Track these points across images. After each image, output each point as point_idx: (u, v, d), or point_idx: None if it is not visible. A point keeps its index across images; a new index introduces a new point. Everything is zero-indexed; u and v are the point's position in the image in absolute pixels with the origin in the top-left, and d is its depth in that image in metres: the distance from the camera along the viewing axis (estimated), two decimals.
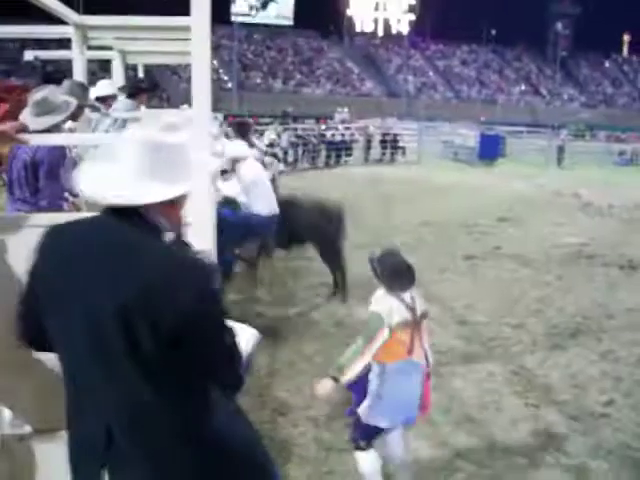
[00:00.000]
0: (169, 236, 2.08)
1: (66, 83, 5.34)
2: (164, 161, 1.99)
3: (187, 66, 4.18)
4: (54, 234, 2.03)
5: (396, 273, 3.71)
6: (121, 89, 7.19)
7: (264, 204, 6.75)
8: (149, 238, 1.97)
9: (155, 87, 7.35)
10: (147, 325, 1.82)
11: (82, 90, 5.43)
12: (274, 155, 13.89)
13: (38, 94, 4.45)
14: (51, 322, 1.99)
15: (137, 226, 1.95)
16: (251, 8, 73.51)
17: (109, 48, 7.78)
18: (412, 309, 3.65)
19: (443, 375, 5.64)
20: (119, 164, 1.99)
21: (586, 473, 4.34)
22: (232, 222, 6.15)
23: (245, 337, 2.74)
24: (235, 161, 6.66)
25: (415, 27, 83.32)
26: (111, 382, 1.89)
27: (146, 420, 1.92)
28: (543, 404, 5.33)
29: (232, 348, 2.09)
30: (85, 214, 2.13)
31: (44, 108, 4.39)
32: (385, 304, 3.64)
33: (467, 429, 4.88)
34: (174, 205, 2.05)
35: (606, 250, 11.23)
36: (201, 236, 3.35)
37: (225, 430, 2.16)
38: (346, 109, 41.36)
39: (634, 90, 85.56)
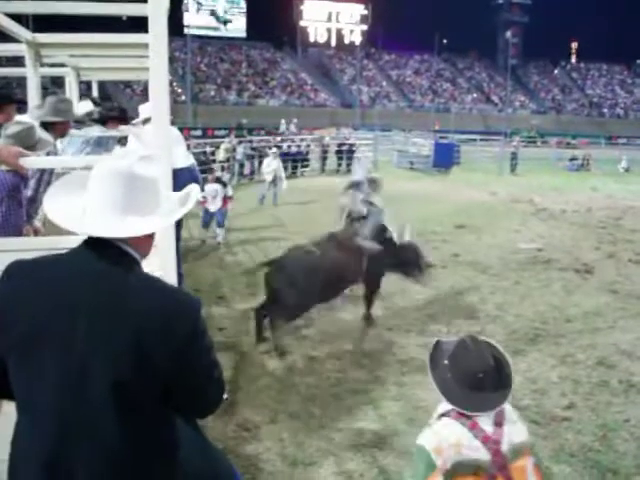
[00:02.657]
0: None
1: (50, 100, 5.17)
2: (141, 193, 1.99)
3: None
4: (27, 273, 1.93)
5: (469, 382, 2.37)
6: (88, 115, 6.90)
7: None
8: (134, 275, 1.94)
9: (124, 113, 7.04)
10: (142, 385, 1.83)
11: (68, 106, 5.28)
12: (219, 180, 13.03)
13: (10, 129, 4.31)
14: (19, 368, 1.88)
15: (117, 260, 1.92)
16: (213, 16, 73.80)
17: (62, 65, 7.66)
18: (493, 443, 2.32)
19: (406, 385, 5.66)
20: (96, 195, 1.97)
21: (550, 477, 4.39)
22: None
23: None
24: None
25: (368, 37, 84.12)
26: (87, 438, 1.82)
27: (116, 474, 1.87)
28: None
29: (219, 382, 2.10)
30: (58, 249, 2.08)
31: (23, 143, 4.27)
32: (440, 432, 2.39)
33: None
34: (149, 237, 2.07)
35: (561, 255, 11.45)
36: (164, 259, 3.35)
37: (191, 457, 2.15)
38: (295, 120, 41.34)
39: (583, 97, 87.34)
